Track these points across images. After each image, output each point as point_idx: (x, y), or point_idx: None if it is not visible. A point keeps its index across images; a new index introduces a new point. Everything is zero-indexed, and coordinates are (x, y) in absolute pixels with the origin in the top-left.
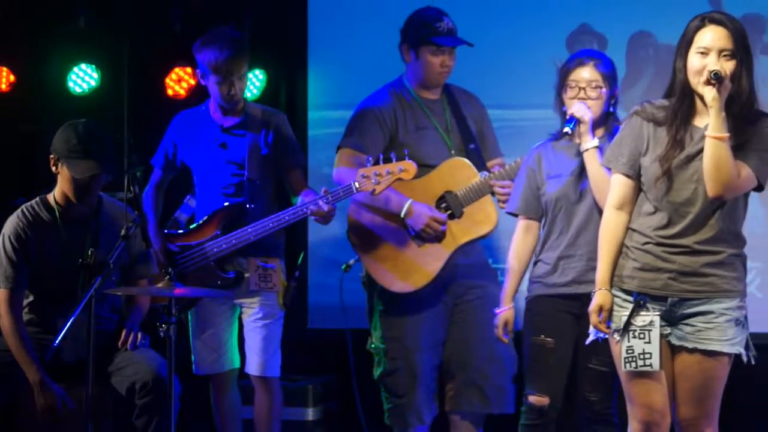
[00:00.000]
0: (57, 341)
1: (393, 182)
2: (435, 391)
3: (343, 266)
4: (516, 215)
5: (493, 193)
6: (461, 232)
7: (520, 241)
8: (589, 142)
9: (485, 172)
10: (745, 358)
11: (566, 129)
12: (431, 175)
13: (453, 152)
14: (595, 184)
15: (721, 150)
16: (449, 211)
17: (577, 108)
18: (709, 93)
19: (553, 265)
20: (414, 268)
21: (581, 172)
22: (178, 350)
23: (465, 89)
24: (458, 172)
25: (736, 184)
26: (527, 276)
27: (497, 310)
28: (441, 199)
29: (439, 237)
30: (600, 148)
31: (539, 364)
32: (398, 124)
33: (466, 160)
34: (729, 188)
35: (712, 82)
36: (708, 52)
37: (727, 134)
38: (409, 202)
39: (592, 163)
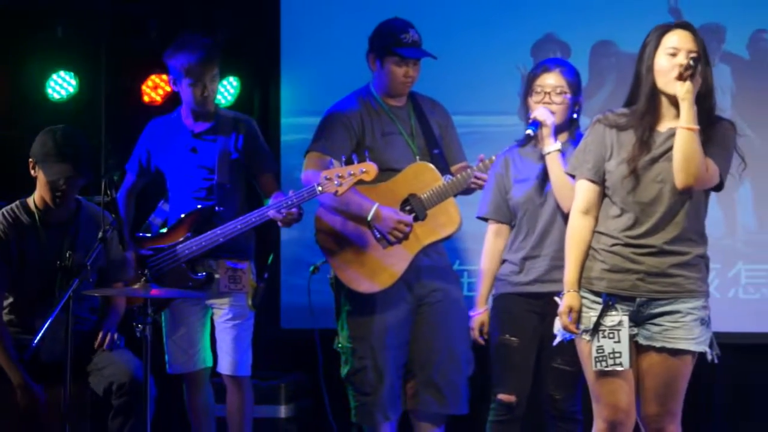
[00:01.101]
0: (36, 341)
1: (354, 183)
2: (401, 389)
3: (311, 268)
4: (486, 219)
5: (465, 192)
6: (425, 233)
7: (491, 244)
8: (551, 146)
9: (449, 176)
10: (709, 357)
11: (528, 131)
12: (396, 178)
13: (418, 157)
14: (557, 186)
15: (692, 141)
16: (413, 214)
17: (539, 112)
18: (682, 87)
19: (519, 265)
20: (379, 269)
21: (545, 176)
22: (153, 350)
23: (430, 97)
24: (422, 176)
25: (704, 176)
26: None
27: (472, 313)
28: (405, 201)
29: (404, 239)
30: (563, 153)
31: (506, 362)
32: (365, 130)
33: (430, 165)
34: (698, 180)
35: (685, 74)
36: (677, 53)
37: (697, 127)
38: (375, 206)
39: (554, 166)
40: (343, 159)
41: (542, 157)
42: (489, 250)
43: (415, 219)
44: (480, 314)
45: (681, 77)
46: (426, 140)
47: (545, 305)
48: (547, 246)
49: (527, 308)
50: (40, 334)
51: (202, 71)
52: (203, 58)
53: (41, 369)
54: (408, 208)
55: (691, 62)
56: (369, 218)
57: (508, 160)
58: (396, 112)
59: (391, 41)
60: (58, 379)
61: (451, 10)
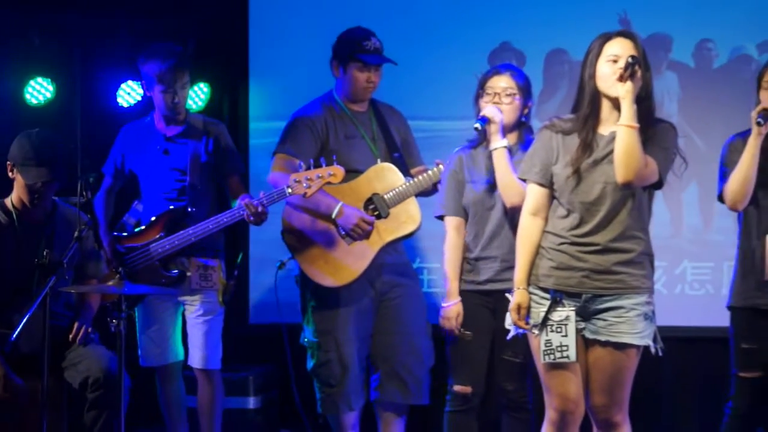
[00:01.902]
0: (14, 336)
1: (323, 185)
2: (364, 380)
3: (278, 264)
4: (442, 218)
5: (426, 193)
6: (387, 231)
7: (453, 239)
8: (498, 142)
9: (409, 178)
10: (653, 350)
11: (476, 125)
12: (360, 179)
13: (379, 159)
14: (501, 182)
15: (632, 138)
16: (376, 212)
17: (488, 110)
18: (623, 87)
19: (471, 264)
20: (343, 266)
21: (494, 181)
22: (126, 344)
23: (389, 104)
24: (385, 177)
25: (644, 172)
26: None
27: (445, 305)
28: (369, 201)
29: (366, 236)
30: (510, 152)
31: (461, 355)
32: (329, 133)
33: (392, 166)
34: (637, 175)
35: (626, 74)
36: (618, 59)
37: (637, 124)
38: (339, 204)
39: (500, 162)
40: (311, 162)
41: (491, 157)
42: (452, 245)
43: (378, 217)
44: (454, 305)
45: (621, 78)
46: (387, 144)
47: (496, 301)
48: (495, 248)
49: (480, 304)
50: (18, 329)
51: (173, 78)
52: (174, 66)
53: (20, 362)
54: (371, 207)
55: (630, 60)
56: (333, 216)
57: (462, 159)
58: (358, 116)
59: (354, 48)
60: (35, 372)
61: (412, 19)
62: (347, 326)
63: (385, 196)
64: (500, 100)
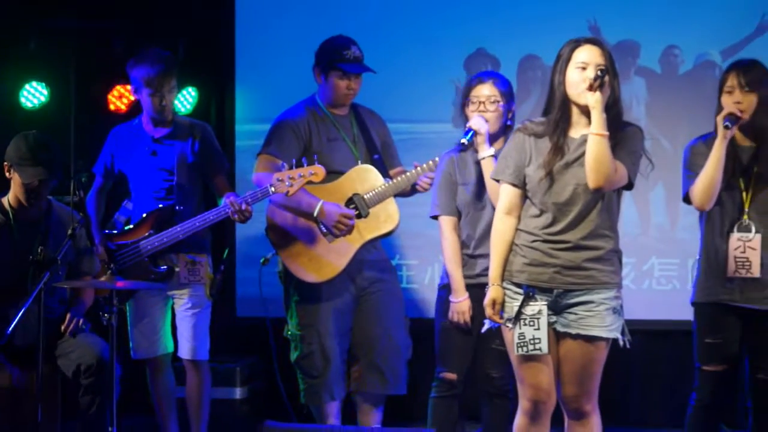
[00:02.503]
0: (9, 329)
1: (304, 184)
2: (345, 372)
3: (262, 259)
4: (436, 218)
5: (405, 194)
6: (367, 229)
7: (451, 238)
8: (485, 152)
9: (388, 179)
10: (621, 343)
11: (463, 140)
12: (341, 179)
13: (359, 161)
14: (490, 189)
15: (602, 145)
16: (357, 212)
17: (474, 121)
18: (592, 96)
19: (464, 260)
20: (324, 262)
21: (482, 184)
22: (118, 337)
23: (369, 108)
24: (365, 177)
25: (614, 178)
26: (435, 269)
27: (455, 300)
28: (349, 200)
29: (347, 232)
30: (495, 157)
31: (448, 345)
32: (311, 135)
33: (372, 167)
34: (608, 181)
35: (595, 84)
36: (587, 66)
37: (607, 132)
38: (320, 202)
39: (488, 170)
40: (293, 162)
41: (479, 163)
42: (450, 244)
43: (358, 216)
44: (463, 300)
45: (591, 88)
46: (367, 146)
47: (483, 295)
48: (487, 247)
49: (471, 297)
50: (14, 323)
51: (160, 83)
52: (162, 71)
53: (15, 354)
54: (352, 206)
55: (599, 73)
56: (315, 214)
57: (454, 161)
58: (339, 120)
59: (335, 57)
60: (31, 363)
61: (391, 26)
62: (329, 320)
63: (365, 197)
64: (485, 108)
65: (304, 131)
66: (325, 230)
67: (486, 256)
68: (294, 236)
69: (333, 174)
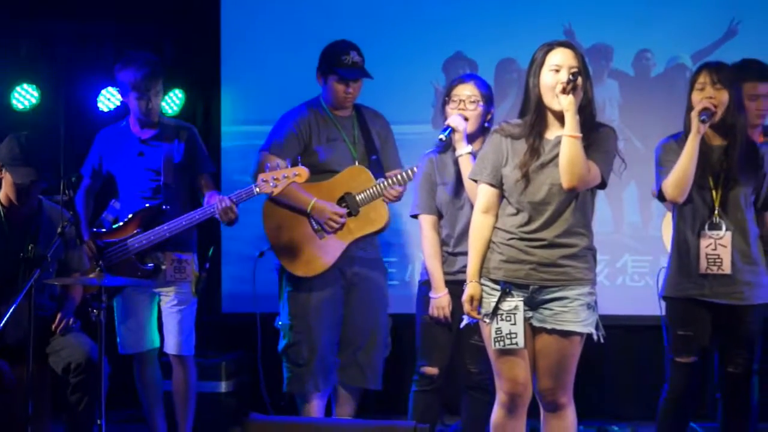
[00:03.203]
0: (1, 325)
1: (288, 184)
2: (334, 364)
3: (258, 253)
4: (416, 217)
5: (385, 196)
6: (357, 227)
7: (430, 236)
8: (463, 149)
9: (382, 179)
10: (595, 337)
11: (441, 136)
12: (335, 178)
13: (357, 161)
14: (469, 186)
15: (576, 147)
16: (348, 210)
17: (452, 119)
18: (565, 99)
19: (444, 257)
20: (315, 257)
21: (461, 183)
22: (106, 332)
23: (374, 110)
24: (357, 177)
25: (588, 178)
26: (416, 266)
27: (434, 296)
28: (341, 199)
29: (338, 229)
30: (473, 156)
31: (429, 340)
32: (311, 135)
33: (365, 168)
34: (582, 181)
35: (568, 87)
36: (560, 69)
37: (580, 134)
38: (313, 200)
39: (466, 167)
40: (288, 161)
41: (457, 162)
42: (430, 242)
43: (349, 214)
44: (443, 296)
45: (564, 91)
46: (366, 147)
47: (463, 291)
48: (467, 244)
49: (450, 292)
50: (4, 319)
51: (146, 86)
52: (148, 75)
53: (5, 349)
54: (343, 204)
55: (571, 77)
56: (308, 210)
57: (433, 162)
58: (341, 121)
59: (334, 61)
60: (21, 360)
61: (370, 29)
62: (319, 312)
63: (357, 196)
64: (465, 107)
65: (304, 131)
66: (317, 226)
67: (465, 253)
68: (287, 231)
69: (329, 173)
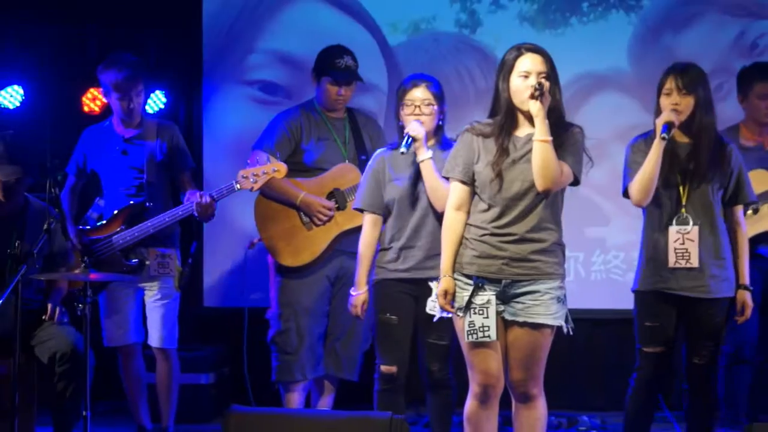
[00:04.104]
0: None
1: (268, 180)
2: (321, 355)
3: (249, 244)
4: (362, 211)
5: None
6: (344, 221)
7: (368, 233)
8: (424, 154)
9: None
10: (565, 330)
11: (402, 150)
12: (325, 175)
13: (346, 160)
14: (430, 189)
15: (547, 151)
16: (336, 205)
17: (411, 127)
18: (534, 105)
19: (397, 254)
20: (303, 248)
21: (417, 177)
22: (91, 326)
23: (367, 113)
24: (346, 174)
25: (560, 179)
26: None
27: (354, 293)
28: (330, 194)
29: (326, 221)
30: (432, 158)
31: (386, 338)
32: (302, 134)
33: (354, 165)
34: (554, 183)
35: (536, 94)
36: (529, 75)
37: (550, 138)
38: (302, 193)
39: (428, 172)
40: (278, 156)
41: (413, 162)
42: (366, 238)
43: (338, 209)
44: (361, 294)
45: (533, 97)
46: (356, 148)
47: (419, 289)
48: (421, 238)
49: (404, 291)
50: None
51: (128, 87)
52: (129, 76)
53: None
54: (332, 199)
55: (538, 86)
56: (297, 203)
57: (385, 160)
58: (333, 122)
59: (328, 65)
60: (8, 352)
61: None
62: (306, 301)
63: (345, 191)
64: (421, 111)
65: (296, 131)
66: (305, 219)
67: (417, 248)
68: (276, 223)
69: (320, 170)
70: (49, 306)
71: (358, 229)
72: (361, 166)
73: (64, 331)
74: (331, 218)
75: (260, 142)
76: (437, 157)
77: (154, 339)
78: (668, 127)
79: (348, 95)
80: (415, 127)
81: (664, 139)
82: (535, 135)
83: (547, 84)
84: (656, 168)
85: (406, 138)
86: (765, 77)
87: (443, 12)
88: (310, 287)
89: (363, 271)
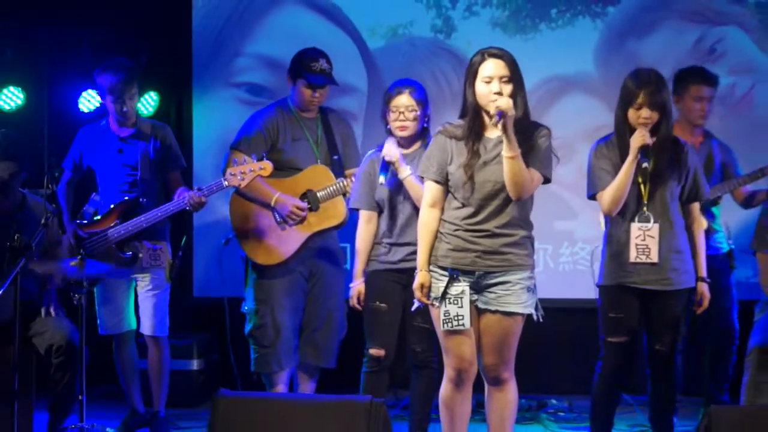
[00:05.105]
0: None
1: (254, 178)
2: (295, 345)
3: (223, 241)
4: (357, 210)
5: (344, 194)
6: (316, 222)
7: (363, 229)
8: (404, 173)
9: (342, 178)
10: (535, 317)
11: (381, 179)
12: (298, 176)
13: (319, 160)
14: (416, 198)
15: (517, 165)
16: (309, 206)
17: (387, 149)
18: (499, 128)
19: (388, 248)
20: (275, 247)
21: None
22: (87, 316)
23: (338, 113)
24: (319, 176)
25: (531, 187)
26: None
27: (351, 285)
28: (303, 195)
29: (299, 222)
30: (414, 172)
31: (375, 324)
32: (278, 134)
33: (326, 167)
34: (527, 191)
35: (496, 123)
36: (491, 80)
37: (518, 151)
38: (276, 194)
39: (410, 186)
40: (254, 157)
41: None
42: (362, 234)
43: (310, 209)
44: (357, 285)
45: (495, 125)
46: (328, 147)
47: (408, 278)
48: (408, 235)
49: (393, 281)
50: None
51: (121, 90)
52: (123, 80)
53: None
54: (305, 199)
55: (497, 117)
56: (272, 204)
57: (375, 162)
58: (306, 122)
59: (303, 67)
60: (7, 341)
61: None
62: (281, 297)
63: (318, 193)
64: (405, 117)
65: (272, 129)
66: (279, 219)
67: (406, 244)
68: (251, 222)
69: (293, 170)
70: (43, 309)
71: (330, 229)
72: (334, 165)
73: (60, 324)
74: (304, 219)
75: (237, 140)
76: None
77: (146, 327)
78: (645, 152)
79: (322, 98)
80: (390, 149)
81: (646, 168)
82: (503, 152)
83: (506, 92)
84: (628, 182)
85: (382, 167)
86: (700, 80)
87: (420, 18)
88: (284, 285)
89: (360, 264)
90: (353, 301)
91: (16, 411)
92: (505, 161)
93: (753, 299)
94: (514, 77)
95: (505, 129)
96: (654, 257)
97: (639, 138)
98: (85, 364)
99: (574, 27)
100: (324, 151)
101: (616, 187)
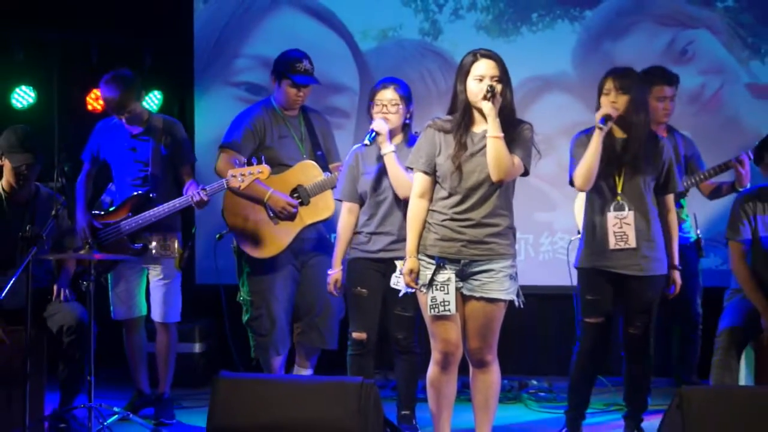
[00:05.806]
0: (2, 295)
1: (253, 180)
2: (290, 332)
3: (217, 236)
4: (340, 200)
5: (333, 187)
6: (307, 215)
7: (344, 219)
8: (387, 148)
9: (328, 173)
10: (516, 304)
11: (366, 142)
12: (288, 172)
13: (305, 156)
14: (393, 177)
15: (500, 146)
16: (299, 200)
17: (376, 124)
18: (486, 105)
19: (368, 237)
20: (269, 241)
21: (383, 172)
22: (98, 303)
23: (315, 109)
24: (308, 171)
25: (512, 170)
26: None
27: (330, 272)
28: (294, 190)
29: (291, 217)
30: (396, 153)
31: (357, 308)
32: (265, 132)
33: (314, 163)
34: (507, 174)
35: (488, 96)
36: (483, 78)
37: (502, 134)
38: (269, 191)
39: (390, 163)
40: (245, 160)
41: (381, 158)
42: (343, 224)
43: (301, 204)
44: (336, 272)
45: (485, 98)
46: (312, 144)
47: (387, 267)
48: (388, 225)
49: (374, 269)
50: (5, 290)
51: (118, 106)
52: (119, 97)
53: (6, 315)
54: (296, 195)
55: (489, 89)
56: (265, 200)
57: (358, 156)
58: (290, 120)
59: (287, 68)
60: (20, 324)
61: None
62: (275, 288)
63: (308, 187)
64: (388, 110)
65: (259, 128)
66: (272, 214)
67: (386, 234)
68: (245, 218)
69: (282, 166)
70: (55, 288)
71: (320, 222)
72: (318, 161)
73: (71, 306)
74: (295, 215)
75: (226, 140)
76: (405, 152)
77: (157, 314)
78: (605, 119)
79: (305, 96)
80: (379, 123)
81: (600, 128)
82: (488, 132)
83: (498, 87)
84: (596, 156)
85: (370, 132)
86: (663, 81)
87: (408, 21)
88: (277, 276)
89: (339, 253)
90: (330, 287)
91: (28, 392)
92: (489, 141)
93: (722, 286)
94: (504, 77)
95: (490, 111)
96: (632, 242)
97: (602, 110)
98: (94, 347)
99: (554, 30)
100: (308, 147)
101: (586, 159)
